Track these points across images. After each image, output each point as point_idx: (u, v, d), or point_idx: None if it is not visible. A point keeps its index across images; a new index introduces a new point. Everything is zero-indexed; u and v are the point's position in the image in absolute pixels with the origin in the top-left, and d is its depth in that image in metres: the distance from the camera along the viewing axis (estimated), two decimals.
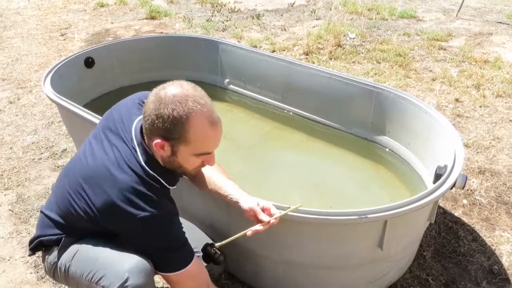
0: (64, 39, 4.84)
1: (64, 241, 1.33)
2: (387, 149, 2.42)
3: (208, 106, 1.20)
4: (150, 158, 1.25)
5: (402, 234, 1.66)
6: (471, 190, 2.45)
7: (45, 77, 2.40)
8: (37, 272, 1.92)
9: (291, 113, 2.82)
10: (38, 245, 1.39)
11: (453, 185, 1.70)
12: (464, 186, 1.76)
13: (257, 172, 2.37)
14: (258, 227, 1.38)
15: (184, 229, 1.30)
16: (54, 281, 1.87)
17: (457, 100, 3.42)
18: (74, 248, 1.32)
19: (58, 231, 1.35)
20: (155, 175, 1.24)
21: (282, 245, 1.63)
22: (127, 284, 1.18)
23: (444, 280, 1.91)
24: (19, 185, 2.50)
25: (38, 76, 3.83)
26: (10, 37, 4.90)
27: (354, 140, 2.53)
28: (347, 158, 2.45)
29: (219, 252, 1.42)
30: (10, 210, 2.30)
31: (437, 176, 1.78)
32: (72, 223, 1.32)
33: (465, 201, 2.37)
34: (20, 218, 2.24)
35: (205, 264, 1.41)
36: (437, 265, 1.99)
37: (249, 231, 1.38)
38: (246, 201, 1.41)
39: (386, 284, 1.86)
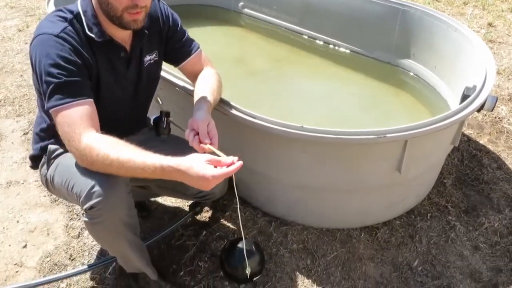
0: None
1: (50, 149, 1.32)
2: (411, 73, 2.27)
3: None
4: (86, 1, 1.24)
5: (423, 157, 1.56)
6: (499, 118, 2.30)
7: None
8: (51, 195, 1.93)
9: (308, 37, 2.65)
10: (35, 156, 1.39)
11: (482, 107, 1.58)
12: (493, 109, 1.64)
13: (271, 97, 2.27)
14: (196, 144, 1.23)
15: None
16: (67, 203, 1.88)
17: (490, 24, 3.16)
18: (57, 160, 1.30)
19: (45, 141, 1.35)
20: (79, 9, 1.23)
21: (295, 168, 1.56)
22: (93, 190, 1.15)
23: (464, 207, 1.84)
24: (30, 112, 2.47)
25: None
26: None
27: (376, 65, 2.38)
28: (368, 83, 2.32)
29: (165, 127, 1.39)
30: (22, 136, 2.29)
31: (464, 97, 1.65)
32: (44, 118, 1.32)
33: (491, 129, 2.24)
34: None
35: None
36: (458, 192, 1.91)
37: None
38: (199, 115, 1.29)
39: (403, 210, 1.80)
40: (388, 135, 1.34)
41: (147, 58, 1.40)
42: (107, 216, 1.20)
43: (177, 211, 1.88)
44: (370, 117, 2.10)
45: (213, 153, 1.20)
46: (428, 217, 1.80)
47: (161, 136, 1.42)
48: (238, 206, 1.32)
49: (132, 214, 1.31)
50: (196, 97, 1.39)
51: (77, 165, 1.21)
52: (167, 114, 1.42)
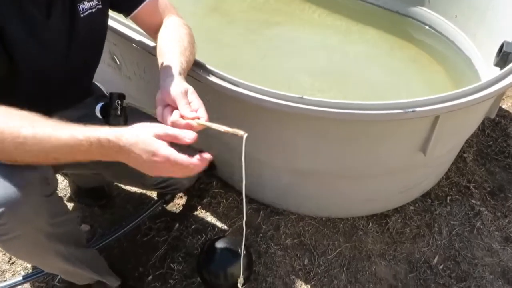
0: None
1: None
2: (425, 25, 1.90)
3: None
4: None
5: (453, 134, 1.23)
6: None
7: None
8: None
9: None
10: None
11: None
12: None
13: (257, 55, 1.88)
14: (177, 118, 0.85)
15: None
16: None
17: None
18: None
19: None
20: None
21: (291, 149, 1.22)
22: None
23: (489, 188, 1.55)
24: None
25: None
26: None
27: (382, 14, 1.99)
28: (373, 37, 1.94)
29: (119, 114, 0.99)
30: None
31: (503, 55, 1.30)
32: None
33: None
34: None
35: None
36: (481, 169, 1.61)
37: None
38: (172, 83, 0.90)
39: (418, 194, 1.49)
40: (417, 109, 0.99)
41: (86, 5, 1.00)
42: (19, 232, 0.84)
43: (143, 197, 1.54)
44: (377, 79, 1.73)
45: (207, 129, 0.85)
46: (448, 201, 1.50)
47: (119, 124, 1.01)
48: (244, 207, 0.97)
49: (59, 221, 0.93)
50: (161, 60, 0.99)
51: None
52: (121, 97, 1.00)
